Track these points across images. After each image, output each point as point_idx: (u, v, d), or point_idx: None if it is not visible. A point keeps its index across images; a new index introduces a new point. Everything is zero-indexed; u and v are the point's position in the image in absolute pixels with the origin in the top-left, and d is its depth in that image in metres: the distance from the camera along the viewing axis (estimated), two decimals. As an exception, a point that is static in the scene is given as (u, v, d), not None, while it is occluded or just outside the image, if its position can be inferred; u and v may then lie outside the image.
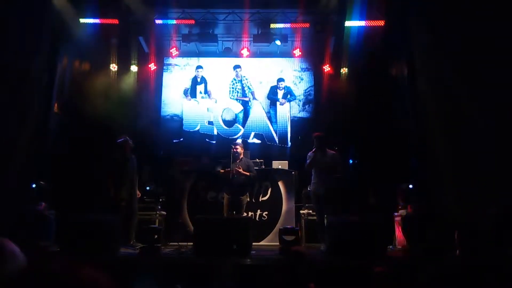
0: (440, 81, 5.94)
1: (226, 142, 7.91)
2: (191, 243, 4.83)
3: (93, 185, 7.12)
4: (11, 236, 1.35)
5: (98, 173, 6.78)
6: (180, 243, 5.39)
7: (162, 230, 5.18)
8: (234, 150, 6.06)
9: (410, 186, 6.04)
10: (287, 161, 7.30)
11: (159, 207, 6.54)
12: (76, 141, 7.51)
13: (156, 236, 4.65)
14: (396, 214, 6.10)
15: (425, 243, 4.54)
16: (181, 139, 8.42)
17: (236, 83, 8.76)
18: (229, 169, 5.95)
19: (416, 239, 4.65)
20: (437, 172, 5.83)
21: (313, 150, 5.67)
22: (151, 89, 8.61)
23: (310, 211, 6.29)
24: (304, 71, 8.82)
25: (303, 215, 6.46)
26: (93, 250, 4.14)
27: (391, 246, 5.82)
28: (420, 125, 6.15)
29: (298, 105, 8.67)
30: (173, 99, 8.71)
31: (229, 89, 8.73)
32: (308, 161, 5.66)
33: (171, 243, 5.91)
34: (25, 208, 4.59)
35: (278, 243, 4.78)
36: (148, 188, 6.71)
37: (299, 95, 8.70)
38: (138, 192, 5.77)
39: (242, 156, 6.15)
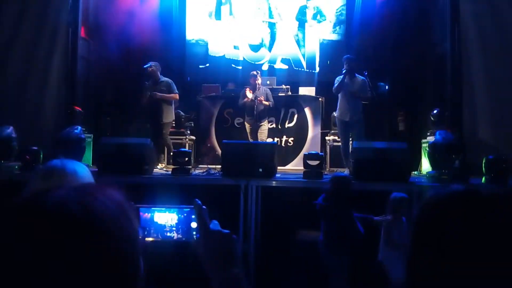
0: (485, 1, 5.41)
1: (252, 67, 7.78)
2: (219, 166, 5.05)
3: (127, 111, 7.38)
4: (50, 158, 1.41)
5: (132, 98, 6.99)
6: (209, 166, 5.65)
7: (192, 154, 5.42)
8: (254, 80, 6.14)
9: (437, 111, 5.88)
10: (314, 87, 7.18)
11: (188, 131, 6.76)
12: (107, 67, 7.62)
13: (186, 159, 4.87)
14: (424, 140, 6.04)
15: (452, 170, 4.54)
16: (207, 65, 8.35)
17: (262, 3, 8.33)
18: (248, 98, 6.05)
19: (442, 165, 4.64)
20: (472, 99, 5.59)
21: (342, 73, 5.52)
22: (175, 12, 8.35)
23: (336, 138, 6.33)
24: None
25: (328, 141, 6.51)
26: (128, 171, 4.41)
27: (416, 172, 5.86)
28: (458, 49, 5.76)
29: (329, 26, 8.22)
30: (198, 22, 8.46)
31: (255, 10, 8.34)
32: (335, 84, 5.56)
33: (200, 166, 6.21)
34: (62, 131, 4.85)
35: (302, 168, 4.91)
36: (177, 111, 6.89)
37: (330, 16, 8.21)
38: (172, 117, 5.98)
39: (260, 85, 6.19)
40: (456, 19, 5.77)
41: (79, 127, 5.04)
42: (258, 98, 6.14)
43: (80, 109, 6.02)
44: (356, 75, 5.59)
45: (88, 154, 5.64)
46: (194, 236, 0.92)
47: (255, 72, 6.38)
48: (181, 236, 1.01)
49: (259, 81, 6.25)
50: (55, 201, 0.55)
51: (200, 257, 0.84)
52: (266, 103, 6.23)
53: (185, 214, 1.04)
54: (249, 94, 6.21)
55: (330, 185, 3.42)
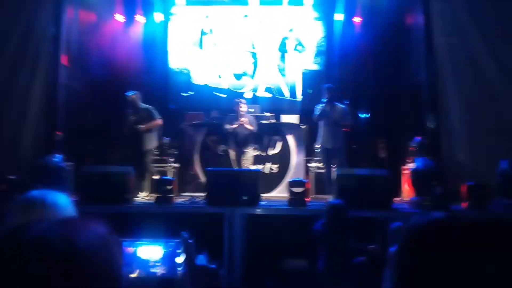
0: (457, 32, 5.71)
1: (235, 95, 7.87)
2: (203, 194, 5.00)
3: (109, 138, 7.29)
4: (28, 188, 1.37)
5: (113, 126, 6.92)
6: (193, 194, 5.57)
7: (175, 182, 5.35)
8: (239, 107, 6.20)
9: (417, 139, 6.05)
10: (297, 115, 7.30)
11: (172, 159, 6.70)
12: (89, 94, 7.57)
13: (169, 187, 4.81)
14: (404, 167, 6.16)
15: (433, 196, 4.62)
16: (190, 93, 8.39)
17: (245, 34, 8.53)
18: (236, 125, 6.11)
19: (424, 191, 4.73)
20: (449, 126, 5.79)
21: (324, 102, 5.65)
22: (158, 41, 8.45)
23: (319, 164, 6.38)
24: (316, 20, 8.51)
25: (312, 168, 6.56)
26: (109, 200, 4.31)
27: (398, 198, 5.94)
28: (434, 78, 6.01)
29: (310, 57, 8.46)
30: (181, 51, 8.56)
31: (238, 41, 8.53)
32: (317, 113, 5.66)
33: (184, 194, 6.12)
34: (41, 160, 4.74)
35: (287, 195, 4.91)
36: (164, 139, 6.85)
37: (310, 46, 8.47)
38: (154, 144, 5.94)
39: (244, 112, 6.28)
40: (430, 51, 6.04)
41: (59, 155, 4.94)
42: (241, 120, 6.17)
43: (60, 134, 5.90)
44: (336, 103, 5.73)
45: (69, 183, 5.49)
46: (179, 272, 0.90)
47: (240, 99, 6.46)
48: (165, 272, 0.98)
49: (243, 108, 6.32)
50: (37, 235, 0.54)
51: None
52: (250, 127, 6.27)
53: (170, 248, 1.01)
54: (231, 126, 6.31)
55: (327, 212, 3.41)
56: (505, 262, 0.60)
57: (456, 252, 0.61)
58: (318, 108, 5.71)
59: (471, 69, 5.63)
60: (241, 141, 6.22)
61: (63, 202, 1.17)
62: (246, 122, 6.23)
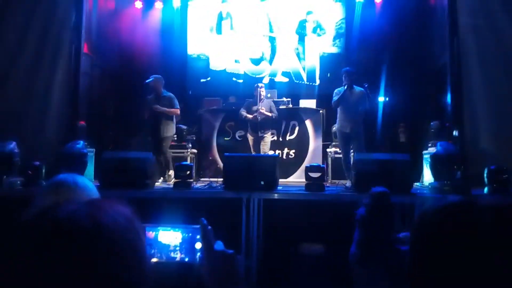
0: (483, 12, 5.47)
1: (253, 80, 7.84)
2: (221, 179, 5.05)
3: (128, 125, 7.43)
4: (53, 174, 1.43)
5: (133, 112, 7.04)
6: (211, 179, 5.64)
7: (194, 167, 5.43)
8: (259, 92, 6.15)
9: (434, 122, 5.91)
10: (315, 100, 7.23)
11: (190, 145, 6.78)
12: (109, 81, 7.70)
13: (188, 172, 4.88)
14: (425, 151, 6.05)
15: (454, 180, 4.53)
16: (209, 78, 8.41)
17: (262, 17, 8.43)
18: (255, 114, 6.08)
19: (444, 176, 4.63)
20: (472, 110, 5.61)
21: (343, 86, 5.55)
22: (176, 27, 8.46)
23: (337, 149, 6.34)
24: (336, 1, 8.32)
25: (329, 153, 6.52)
26: (130, 185, 4.42)
27: (418, 183, 5.85)
28: (457, 62, 5.81)
29: (328, 40, 8.31)
30: (199, 37, 8.56)
31: (256, 25, 8.44)
32: (335, 97, 5.58)
33: (202, 179, 6.21)
34: (65, 146, 4.88)
35: (304, 180, 4.91)
36: (178, 126, 6.93)
37: (330, 29, 8.30)
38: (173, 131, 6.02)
39: (263, 97, 6.23)
40: (455, 32, 5.82)
41: (82, 142, 5.07)
42: (260, 110, 6.16)
43: (83, 123, 6.06)
44: (355, 86, 5.63)
45: (90, 169, 5.65)
46: (198, 257, 0.92)
47: (259, 84, 6.43)
48: (184, 256, 1.02)
49: (263, 93, 6.28)
50: (66, 214, 0.57)
51: (203, 278, 0.85)
52: (269, 114, 6.25)
53: (190, 234, 1.04)
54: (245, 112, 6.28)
55: (370, 200, 3.31)
56: None
57: (470, 236, 0.61)
58: (336, 92, 5.63)
59: (497, 50, 5.41)
60: (259, 126, 6.22)
61: (91, 186, 1.22)
62: (264, 110, 6.20)
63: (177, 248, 1.00)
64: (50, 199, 1.15)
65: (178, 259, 0.98)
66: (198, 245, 0.95)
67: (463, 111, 5.69)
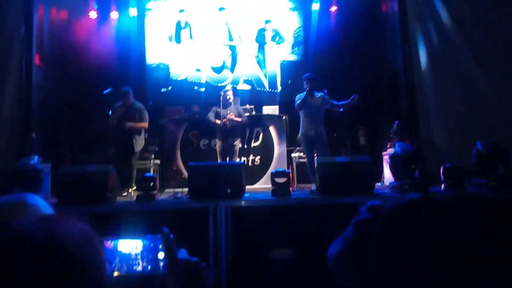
0: (431, 17, 5.80)
1: (215, 89, 7.82)
2: (187, 189, 4.96)
3: (86, 138, 7.15)
4: (5, 191, 1.32)
5: (91, 124, 6.78)
6: (175, 189, 5.53)
7: (158, 178, 5.30)
8: (226, 96, 6.08)
9: (397, 122, 6.15)
10: (277, 106, 7.32)
11: (153, 156, 6.63)
12: (65, 93, 7.39)
13: (152, 184, 4.75)
14: (384, 153, 6.26)
15: (412, 179, 4.71)
16: (170, 88, 8.30)
17: (222, 26, 8.46)
18: (225, 119, 6.01)
19: (403, 175, 4.82)
20: (426, 111, 5.90)
21: (305, 90, 5.68)
22: (133, 36, 8.30)
23: (301, 154, 6.43)
24: (292, 10, 8.51)
25: (294, 158, 6.60)
26: (90, 200, 4.24)
27: (379, 184, 6.04)
28: (409, 65, 6.11)
29: (287, 47, 8.46)
30: (158, 46, 8.44)
31: (215, 34, 8.45)
32: (297, 101, 5.70)
33: (167, 190, 6.07)
34: (18, 162, 4.61)
35: (270, 186, 4.93)
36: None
37: (288, 37, 8.46)
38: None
39: (231, 101, 6.18)
40: (405, 37, 6.13)
41: (36, 157, 4.82)
42: (228, 115, 6.06)
43: (34, 135, 5.76)
44: (315, 92, 5.78)
45: (47, 185, 5.37)
46: (161, 267, 0.89)
47: (227, 87, 6.37)
48: (146, 265, 0.97)
49: (231, 97, 6.18)
50: (18, 230, 0.53)
51: None
52: (238, 119, 6.17)
53: (151, 243, 1.00)
54: (213, 114, 6.15)
55: (370, 213, 3.32)
56: (476, 235, 0.62)
57: (431, 228, 0.64)
58: (298, 97, 5.75)
59: (446, 53, 5.74)
60: (228, 133, 6.11)
61: (43, 204, 1.13)
62: (233, 116, 6.13)
63: (138, 257, 0.95)
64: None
65: (140, 268, 0.94)
66: (161, 255, 0.92)
67: (417, 112, 5.98)
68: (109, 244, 0.97)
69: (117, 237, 0.92)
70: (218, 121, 6.10)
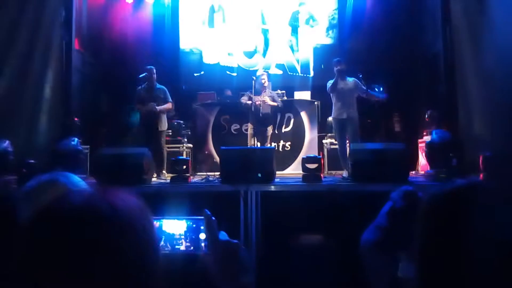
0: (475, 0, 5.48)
1: (247, 74, 7.81)
2: (218, 173, 5.04)
3: (122, 121, 7.38)
4: (47, 171, 1.36)
5: (127, 108, 6.99)
6: (207, 173, 5.63)
7: (190, 161, 5.41)
8: (261, 80, 6.05)
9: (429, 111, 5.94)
10: (309, 91, 7.22)
11: (185, 139, 6.76)
12: (102, 77, 7.63)
13: (184, 167, 4.86)
14: (420, 140, 6.08)
15: (449, 168, 4.56)
16: (202, 72, 8.36)
17: (255, 9, 8.37)
18: (258, 101, 5.98)
19: (440, 164, 4.66)
20: (466, 98, 5.64)
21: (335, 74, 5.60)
22: (167, 21, 8.38)
23: (333, 140, 6.35)
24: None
25: (325, 144, 6.53)
26: (126, 181, 4.39)
27: (414, 172, 5.89)
28: (450, 48, 5.82)
29: (322, 31, 8.28)
30: (191, 31, 8.49)
31: (248, 17, 8.38)
32: (329, 85, 5.62)
33: (199, 173, 6.20)
34: (59, 143, 4.83)
35: (301, 172, 4.92)
36: (176, 121, 6.89)
37: (322, 20, 8.26)
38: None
39: (266, 86, 6.16)
40: (447, 19, 5.83)
41: (76, 139, 5.03)
42: (262, 99, 6.00)
43: (77, 119, 6.01)
44: (347, 77, 5.65)
45: (85, 166, 5.61)
46: (203, 247, 0.92)
47: (262, 72, 6.34)
48: (189, 245, 1.01)
49: (266, 81, 6.13)
50: (81, 200, 0.57)
51: (209, 269, 0.84)
52: (274, 103, 6.12)
53: (194, 224, 1.04)
54: (247, 97, 6.12)
55: (403, 199, 3.27)
56: None
57: (480, 215, 0.62)
58: (329, 82, 5.66)
59: (489, 36, 5.42)
60: (261, 118, 6.11)
61: (75, 181, 1.16)
62: (268, 100, 6.07)
63: (182, 237, 0.99)
64: (39, 199, 1.07)
65: (183, 248, 0.97)
66: (203, 236, 0.95)
67: (457, 99, 5.72)
68: (155, 224, 1.01)
69: (161, 217, 0.96)
70: (249, 102, 6.06)
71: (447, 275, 0.62)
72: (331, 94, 5.68)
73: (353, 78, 5.64)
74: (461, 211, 0.64)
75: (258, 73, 6.34)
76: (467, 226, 0.62)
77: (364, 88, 5.57)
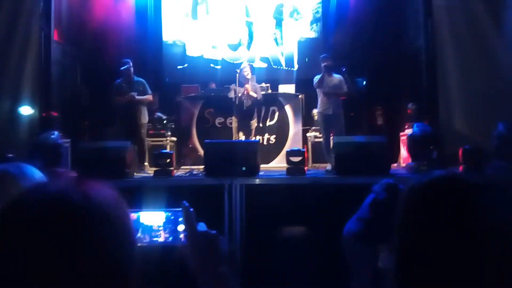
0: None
1: (231, 67, 7.76)
2: (202, 167, 5.03)
3: (104, 114, 7.25)
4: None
5: (108, 100, 6.88)
6: (192, 167, 5.61)
7: (174, 155, 5.38)
8: (243, 72, 6.04)
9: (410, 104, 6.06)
10: (293, 85, 7.24)
11: (169, 133, 6.70)
12: (82, 69, 7.47)
13: (168, 160, 4.83)
14: (402, 133, 6.18)
15: (430, 160, 4.65)
16: (186, 65, 8.27)
17: (239, 2, 8.31)
18: (240, 93, 5.96)
19: (420, 156, 4.76)
20: (447, 92, 5.75)
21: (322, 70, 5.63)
22: (150, 13, 8.24)
23: (317, 134, 6.39)
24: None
25: (309, 137, 6.58)
26: (108, 175, 4.34)
27: (395, 164, 5.99)
28: (431, 44, 5.91)
29: (306, 24, 8.28)
30: (174, 22, 8.37)
31: (232, 9, 8.31)
32: (316, 81, 5.65)
33: (183, 167, 6.16)
34: (38, 137, 4.73)
35: (285, 165, 4.94)
36: (156, 115, 6.81)
37: (306, 13, 8.27)
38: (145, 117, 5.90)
39: (249, 78, 6.14)
40: (429, 14, 5.91)
41: (56, 132, 4.92)
42: (245, 88, 5.98)
43: (56, 114, 5.87)
44: (333, 74, 5.70)
45: (67, 160, 5.50)
46: (181, 238, 0.91)
47: (244, 64, 6.31)
48: (168, 236, 1.01)
49: (248, 73, 6.12)
50: (55, 190, 0.56)
51: (187, 259, 0.84)
52: (254, 94, 6.12)
53: (172, 216, 1.03)
54: (233, 91, 6.11)
55: (386, 190, 3.26)
56: (500, 221, 0.61)
57: (459, 207, 0.63)
58: (316, 77, 5.70)
59: (470, 32, 5.53)
60: (245, 111, 6.09)
61: (29, 172, 1.07)
62: (250, 89, 6.05)
63: (161, 228, 0.99)
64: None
65: (162, 239, 0.97)
66: (181, 227, 0.94)
67: (438, 92, 5.82)
68: (133, 216, 0.99)
69: (139, 209, 0.95)
70: (233, 94, 6.05)
71: (426, 266, 0.63)
72: (317, 89, 5.72)
73: (338, 76, 5.71)
74: (439, 202, 0.64)
75: (242, 66, 6.32)
76: (445, 217, 0.63)
77: (346, 89, 5.64)
